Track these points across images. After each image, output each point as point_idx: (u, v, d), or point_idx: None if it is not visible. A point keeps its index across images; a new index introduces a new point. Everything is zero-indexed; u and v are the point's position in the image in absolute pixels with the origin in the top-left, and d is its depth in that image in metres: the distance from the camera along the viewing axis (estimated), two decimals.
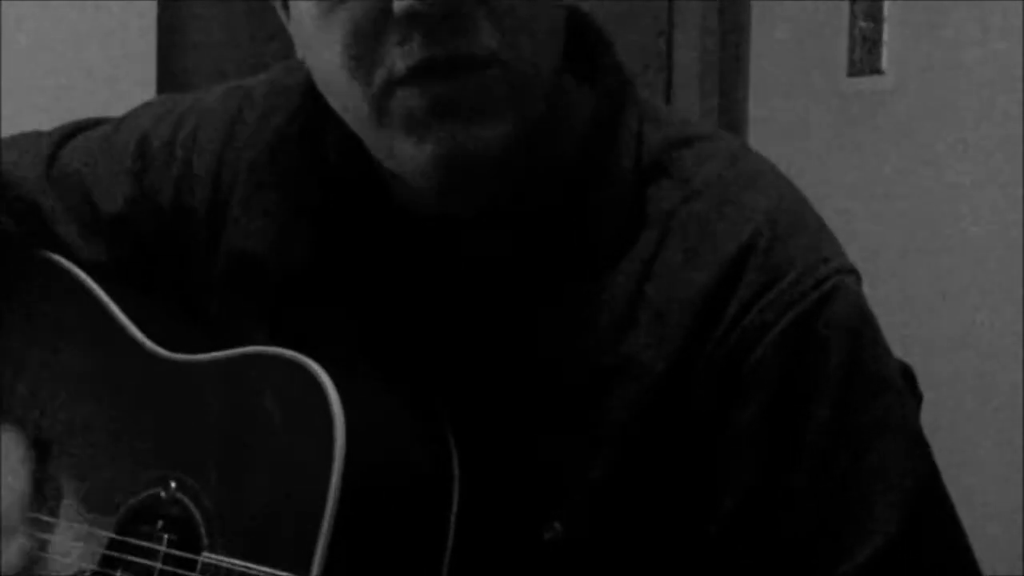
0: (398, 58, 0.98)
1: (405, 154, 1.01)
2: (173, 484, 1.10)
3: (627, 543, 1.03)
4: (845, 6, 2.87)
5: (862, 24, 2.85)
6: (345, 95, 1.02)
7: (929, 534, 1.01)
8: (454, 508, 1.02)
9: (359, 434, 0.99)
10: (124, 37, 2.73)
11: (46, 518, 1.19)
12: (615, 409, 1.02)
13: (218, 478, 1.08)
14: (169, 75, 2.83)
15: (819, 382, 1.00)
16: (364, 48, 0.98)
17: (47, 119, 2.36)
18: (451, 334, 1.07)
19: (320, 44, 1.01)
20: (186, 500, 1.09)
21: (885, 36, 2.81)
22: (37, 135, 1.31)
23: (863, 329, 1.02)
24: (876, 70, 2.82)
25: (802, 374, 1.00)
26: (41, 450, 1.21)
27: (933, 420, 1.12)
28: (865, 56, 2.84)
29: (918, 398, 1.18)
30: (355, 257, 1.11)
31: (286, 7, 1.07)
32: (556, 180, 1.06)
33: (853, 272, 1.04)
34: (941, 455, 1.04)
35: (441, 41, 0.97)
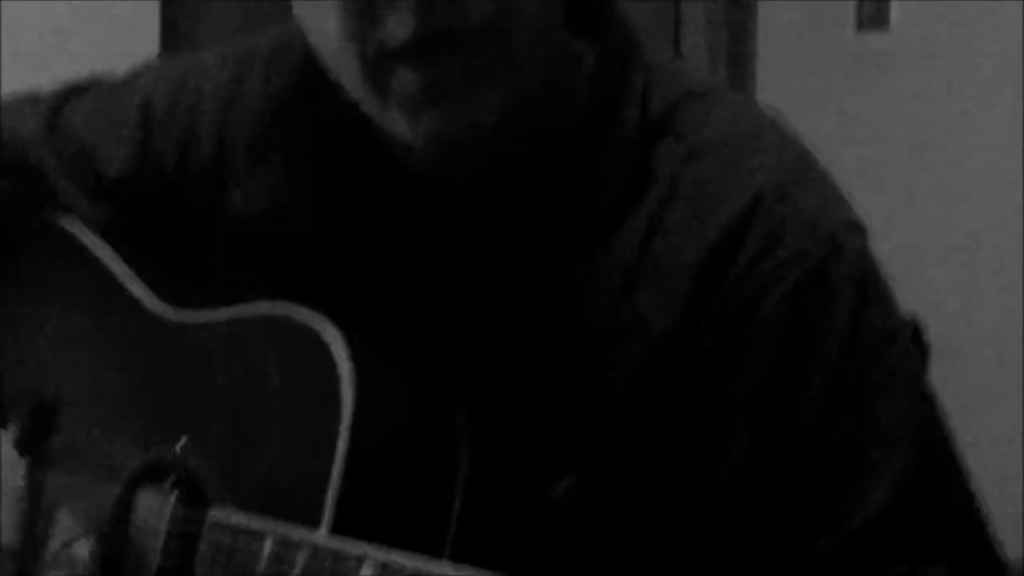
0: (391, 28, 0.96)
1: (401, 128, 1.00)
2: (181, 443, 1.10)
3: (635, 500, 1.03)
4: None
5: None
6: (341, 63, 1.01)
7: (935, 485, 1.01)
8: (463, 469, 1.02)
9: (367, 393, 0.99)
10: (127, 36, 2.73)
11: (50, 478, 1.20)
12: (623, 367, 1.02)
13: (226, 437, 1.08)
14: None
15: (824, 338, 0.99)
16: (358, 14, 0.97)
17: None
18: (458, 298, 1.07)
19: (315, 8, 1.00)
20: (193, 459, 1.09)
21: None
22: (36, 97, 1.30)
23: (868, 284, 1.01)
24: (884, 25, 2.82)
25: (807, 330, 1.00)
26: (46, 412, 1.21)
27: None
28: (874, 12, 2.83)
29: (924, 349, 1.17)
30: (359, 223, 1.11)
31: None
32: (561, 141, 1.05)
33: (859, 227, 1.04)
34: None
35: (435, 13, 0.95)
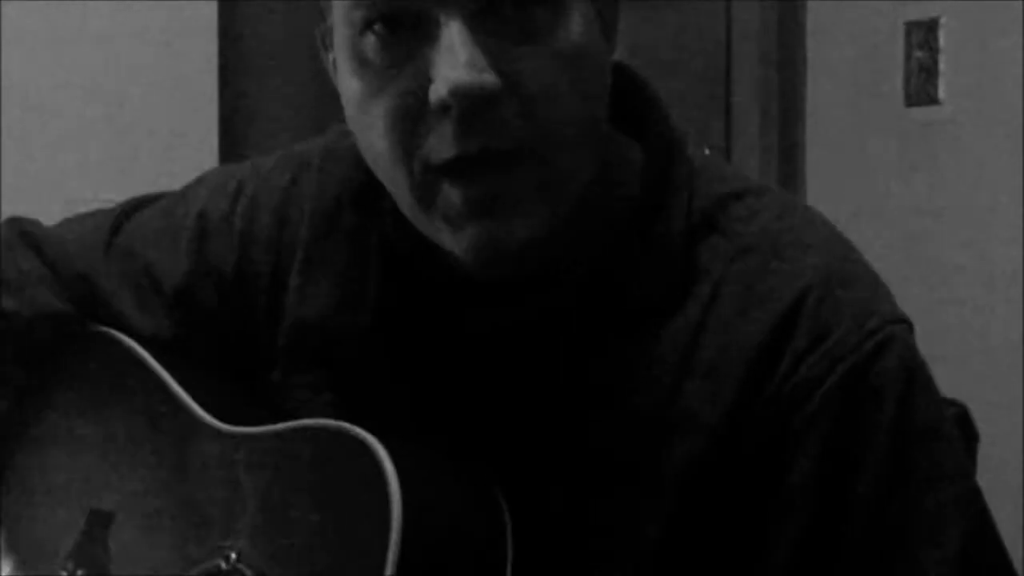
0: (433, 147, 0.99)
1: (447, 240, 1.02)
2: (233, 555, 1.11)
3: None
4: (900, 36, 2.88)
5: (918, 54, 2.85)
6: (389, 174, 1.03)
7: (980, 570, 1.01)
8: (509, 567, 1.03)
9: (415, 508, 1.01)
10: (185, 39, 2.77)
11: None
12: (670, 465, 1.03)
13: (277, 548, 1.09)
14: (231, 70, 2.86)
15: (870, 435, 1.01)
16: (404, 133, 0.99)
17: (105, 122, 2.37)
18: (507, 395, 1.08)
19: (365, 124, 1.03)
20: (245, 570, 1.10)
21: (941, 66, 2.81)
22: (98, 212, 1.33)
23: (913, 380, 1.02)
24: (933, 100, 2.83)
25: (853, 427, 1.01)
26: (101, 522, 1.22)
27: None
28: (922, 86, 2.85)
29: (974, 438, 1.19)
30: (413, 322, 1.12)
31: (335, 72, 1.08)
32: (608, 240, 1.07)
33: (904, 322, 1.05)
34: None
35: (473, 134, 0.97)
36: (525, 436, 1.07)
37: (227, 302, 1.22)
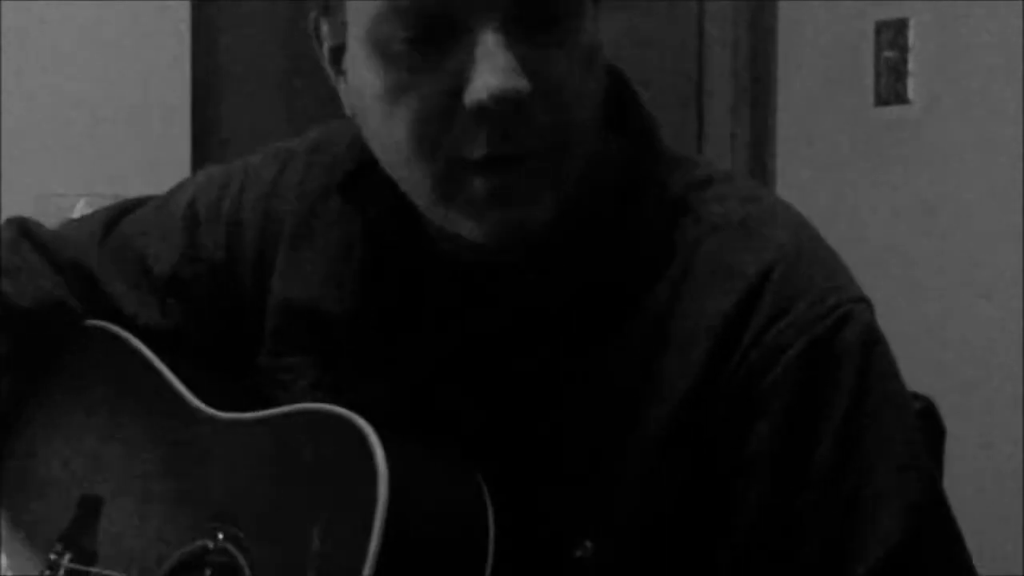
0: (463, 144, 1.03)
1: (462, 227, 1.07)
2: (220, 535, 1.14)
3: (653, 560, 1.08)
4: (870, 36, 2.89)
5: (887, 54, 2.87)
6: (406, 168, 1.07)
7: (929, 545, 1.05)
8: (490, 550, 1.06)
9: (400, 487, 1.03)
10: (158, 38, 2.77)
11: (93, 570, 1.23)
12: (644, 430, 1.07)
13: (264, 528, 1.11)
14: (203, 77, 2.87)
15: (829, 402, 1.05)
16: (432, 131, 1.04)
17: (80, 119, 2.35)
18: (488, 373, 1.12)
19: (384, 119, 1.06)
20: (232, 550, 1.12)
21: (911, 66, 2.84)
22: (95, 212, 1.37)
23: (872, 352, 1.07)
24: (903, 99, 2.85)
25: (812, 396, 1.05)
26: (90, 508, 1.25)
27: None
28: (892, 85, 2.87)
29: (940, 432, 1.22)
30: (398, 304, 1.16)
31: (340, 71, 1.11)
32: (592, 224, 1.11)
33: (864, 300, 1.10)
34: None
35: (507, 137, 1.03)
36: (506, 414, 1.11)
37: (217, 288, 1.26)
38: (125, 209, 1.35)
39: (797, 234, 1.11)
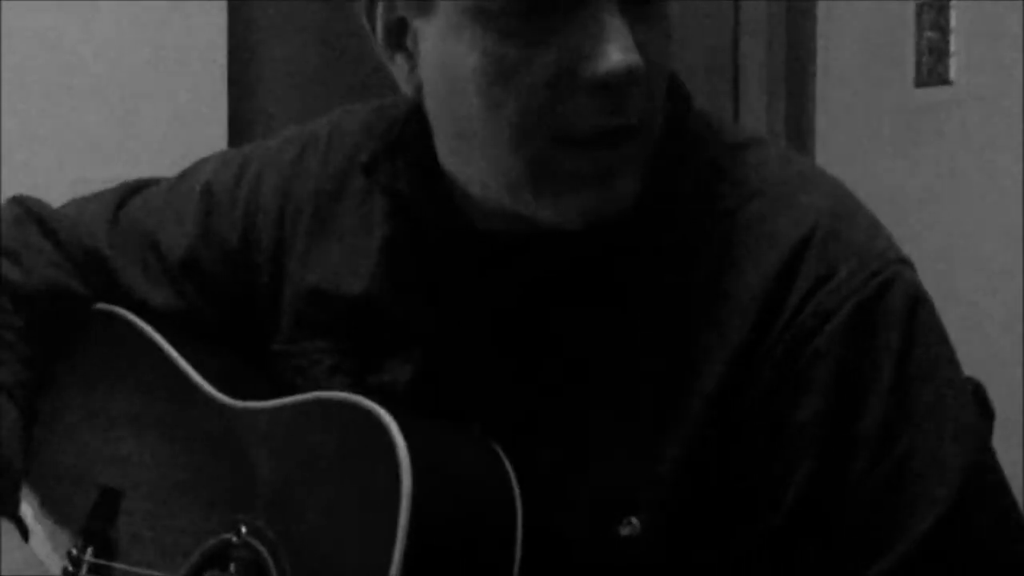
0: (570, 119, 1.02)
1: (551, 207, 1.04)
2: (243, 528, 1.12)
3: (699, 535, 1.05)
4: (911, 16, 2.87)
5: (929, 34, 2.84)
6: (507, 149, 1.04)
7: (980, 511, 1.03)
8: (519, 528, 1.04)
9: (424, 473, 1.01)
10: (195, 38, 2.75)
11: (117, 566, 1.21)
12: (688, 403, 1.05)
13: (287, 520, 1.09)
14: (240, 77, 2.86)
15: (877, 368, 1.03)
16: (539, 106, 1.02)
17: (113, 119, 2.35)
18: (523, 348, 1.10)
19: (487, 102, 1.03)
20: (256, 543, 1.11)
21: (952, 46, 2.80)
22: (103, 192, 1.34)
23: (918, 315, 1.05)
24: (944, 80, 2.82)
25: (860, 361, 1.03)
26: (111, 499, 1.23)
27: None
28: (933, 66, 2.84)
29: (989, 415, 1.19)
30: (421, 280, 1.14)
31: (400, 48, 1.08)
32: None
33: (906, 262, 1.07)
34: None
35: (621, 111, 1.02)
36: (541, 388, 1.08)
37: (232, 273, 1.24)
38: (134, 189, 1.33)
39: (836, 197, 1.09)
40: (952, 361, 1.07)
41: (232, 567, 1.12)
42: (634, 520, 1.04)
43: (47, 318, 1.29)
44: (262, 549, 1.10)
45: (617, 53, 1.00)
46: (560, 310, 1.09)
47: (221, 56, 2.78)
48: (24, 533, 1.22)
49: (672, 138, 1.10)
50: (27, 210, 1.32)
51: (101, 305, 1.29)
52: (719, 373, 1.04)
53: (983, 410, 1.22)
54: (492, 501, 1.04)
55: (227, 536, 1.13)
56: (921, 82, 2.86)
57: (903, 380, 1.03)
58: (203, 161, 1.32)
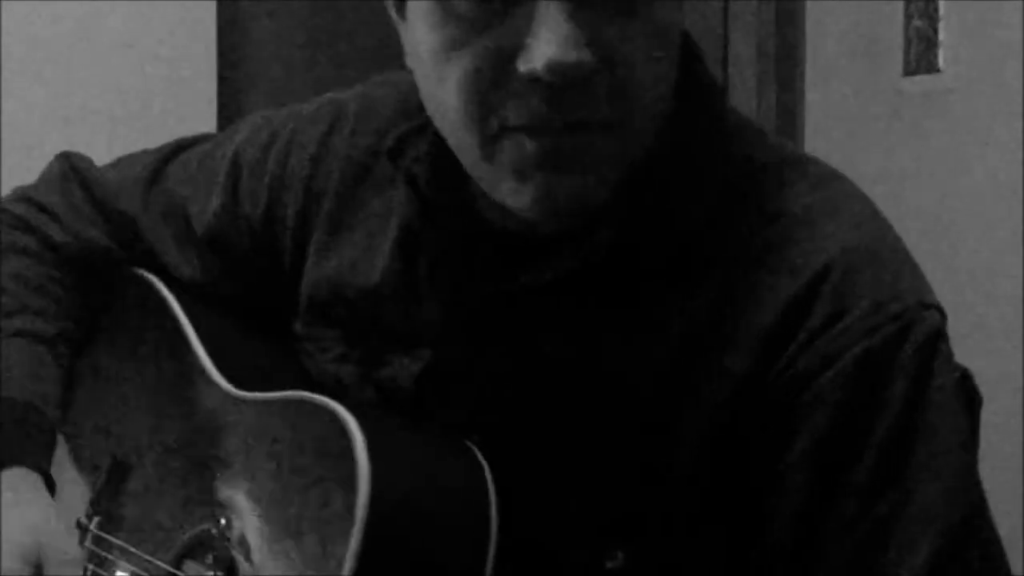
0: (512, 111, 0.97)
1: (507, 192, 1.00)
2: (223, 521, 1.12)
3: (683, 568, 1.03)
4: (900, 5, 2.87)
5: (917, 23, 2.84)
6: (456, 128, 1.01)
7: (971, 564, 0.99)
8: (492, 543, 1.02)
9: (384, 486, 0.99)
10: (184, 36, 2.75)
11: (115, 540, 1.22)
12: (683, 433, 1.01)
13: (259, 517, 1.10)
14: (230, 74, 2.86)
15: (876, 418, 0.98)
16: (480, 93, 0.97)
17: (108, 119, 2.35)
18: (530, 348, 1.07)
19: (435, 78, 1.00)
20: (231, 544, 1.11)
21: (941, 35, 2.80)
22: (145, 152, 1.34)
23: (930, 368, 0.99)
24: (932, 69, 2.82)
25: (859, 409, 0.98)
26: (120, 472, 1.24)
27: None
28: (921, 55, 2.84)
29: (978, 402, 1.15)
30: (430, 272, 1.11)
31: (404, 18, 1.05)
32: (643, 197, 1.04)
33: (931, 308, 1.01)
34: None
35: (560, 110, 0.96)
36: (543, 390, 1.06)
37: (257, 246, 1.23)
38: (174, 152, 1.32)
39: (864, 228, 1.03)
40: (957, 413, 1.01)
41: (209, 559, 1.12)
42: (620, 554, 1.02)
43: (86, 277, 1.31)
44: (235, 546, 1.11)
45: (546, 47, 0.94)
46: (561, 320, 1.05)
47: (211, 52, 2.77)
48: (51, 488, 1.22)
49: (688, 149, 1.05)
50: (72, 167, 1.34)
51: (135, 270, 1.30)
52: (717, 405, 1.00)
53: (971, 397, 1.19)
54: (463, 507, 1.02)
55: (208, 527, 1.13)
56: (909, 71, 2.85)
57: (902, 436, 0.98)
58: (240, 123, 1.31)
